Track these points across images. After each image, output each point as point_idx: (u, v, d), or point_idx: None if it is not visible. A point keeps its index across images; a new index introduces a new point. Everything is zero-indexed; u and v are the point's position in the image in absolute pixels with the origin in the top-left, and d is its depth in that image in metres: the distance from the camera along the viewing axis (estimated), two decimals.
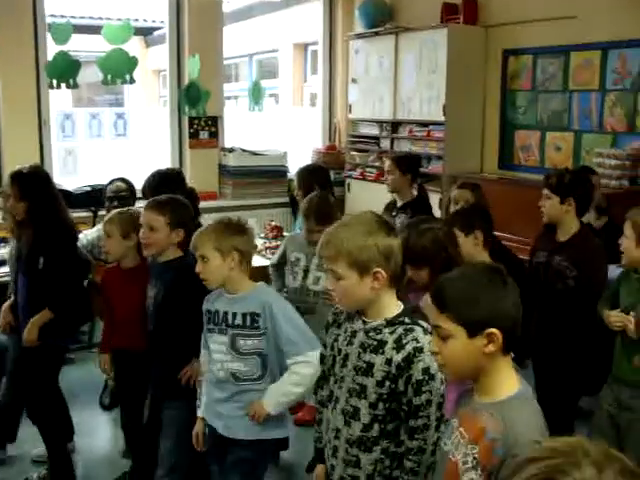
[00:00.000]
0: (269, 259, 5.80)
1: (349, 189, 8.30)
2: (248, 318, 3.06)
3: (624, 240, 3.36)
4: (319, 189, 4.93)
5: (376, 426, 2.36)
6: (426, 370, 2.27)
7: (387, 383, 2.32)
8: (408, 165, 5.51)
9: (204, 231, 3.15)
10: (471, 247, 3.69)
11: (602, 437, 3.45)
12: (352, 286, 2.36)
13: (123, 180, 5.52)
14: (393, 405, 2.33)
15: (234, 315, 3.09)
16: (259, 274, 4.71)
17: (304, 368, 3.00)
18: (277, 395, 3.07)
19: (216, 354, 3.14)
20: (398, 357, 2.30)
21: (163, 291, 3.53)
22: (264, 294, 3.13)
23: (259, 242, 6.71)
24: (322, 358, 2.63)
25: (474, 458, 1.90)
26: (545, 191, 4.09)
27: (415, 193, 5.48)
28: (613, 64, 6.18)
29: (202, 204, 5.54)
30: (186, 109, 6.85)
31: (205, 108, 6.87)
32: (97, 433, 4.89)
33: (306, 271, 4.44)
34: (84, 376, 5.41)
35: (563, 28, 6.46)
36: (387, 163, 5.54)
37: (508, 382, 1.96)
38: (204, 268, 3.08)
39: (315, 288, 4.40)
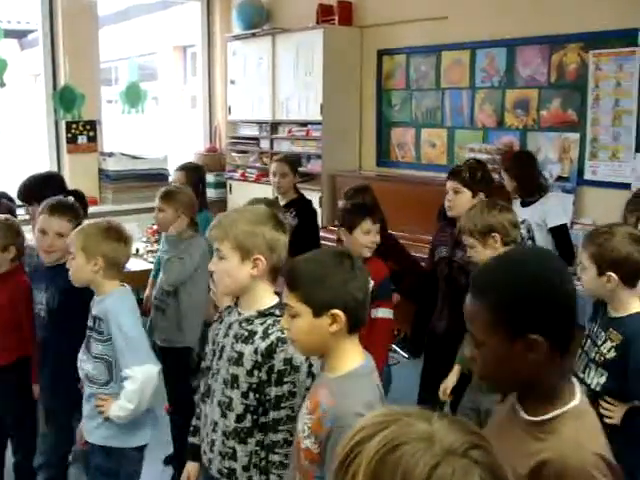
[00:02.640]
0: (151, 262, 5.76)
1: (230, 190, 8.30)
2: (96, 322, 3.07)
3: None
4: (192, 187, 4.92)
5: (249, 416, 2.38)
6: (288, 361, 2.31)
7: (256, 372, 2.35)
8: (297, 166, 5.58)
9: (79, 229, 3.16)
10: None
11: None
12: (232, 268, 2.43)
13: None
14: (262, 397, 2.36)
15: (91, 316, 3.11)
16: (140, 278, 4.70)
17: (128, 384, 2.98)
18: (117, 407, 3.02)
19: (80, 353, 3.14)
20: (262, 346, 2.35)
21: (58, 295, 3.48)
22: (109, 300, 3.09)
23: (141, 246, 6.66)
24: (206, 355, 2.65)
25: (308, 427, 2.04)
26: (454, 185, 4.07)
27: (295, 193, 5.52)
28: (482, 63, 6.40)
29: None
30: (61, 113, 6.71)
31: (81, 112, 6.75)
32: None
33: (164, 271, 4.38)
34: None
35: (434, 29, 6.64)
36: (278, 165, 5.45)
37: (351, 359, 2.06)
38: (70, 264, 3.09)
39: (169, 288, 4.31)
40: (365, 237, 3.82)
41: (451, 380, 3.74)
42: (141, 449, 3.19)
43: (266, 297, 2.48)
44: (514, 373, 1.68)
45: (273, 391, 2.32)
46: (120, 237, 3.12)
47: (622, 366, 2.86)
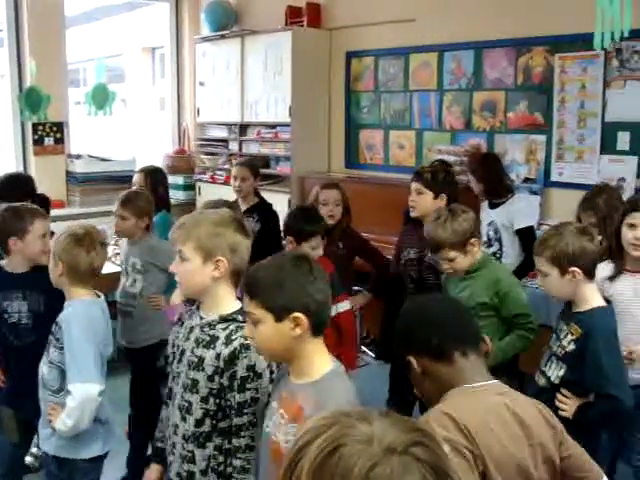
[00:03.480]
0: (119, 265, 5.72)
1: (199, 192, 8.27)
2: (55, 327, 3.05)
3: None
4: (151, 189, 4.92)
5: (208, 421, 2.39)
6: (251, 367, 2.31)
7: (217, 378, 2.35)
8: (258, 170, 5.60)
9: (58, 234, 3.16)
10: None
11: None
12: (194, 269, 2.43)
13: None
14: (223, 402, 2.36)
15: (55, 321, 3.09)
16: (109, 280, 4.67)
17: (69, 400, 2.94)
18: (60, 421, 2.98)
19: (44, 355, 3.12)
20: (225, 352, 2.35)
21: (45, 299, 3.46)
22: (69, 309, 3.07)
23: (109, 249, 6.62)
24: (167, 358, 2.64)
25: (294, 436, 1.97)
26: (417, 186, 4.08)
27: (256, 198, 5.55)
28: (449, 66, 6.43)
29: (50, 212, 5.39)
30: (27, 114, 6.65)
31: (47, 113, 6.69)
32: None
33: (127, 273, 4.38)
34: None
35: (403, 31, 6.67)
36: (239, 169, 5.49)
37: (320, 362, 2.08)
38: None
39: (132, 290, 4.32)
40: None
41: None
42: (94, 460, 3.14)
43: (228, 301, 2.48)
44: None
45: (236, 397, 2.32)
46: (89, 245, 3.08)
47: (580, 359, 2.91)
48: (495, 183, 5.28)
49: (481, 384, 2.02)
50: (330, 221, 4.38)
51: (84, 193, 7.77)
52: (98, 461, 3.18)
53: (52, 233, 3.63)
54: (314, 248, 3.79)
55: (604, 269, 3.50)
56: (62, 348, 2.99)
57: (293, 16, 7.37)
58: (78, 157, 7.86)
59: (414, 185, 4.11)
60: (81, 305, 3.07)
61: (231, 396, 2.33)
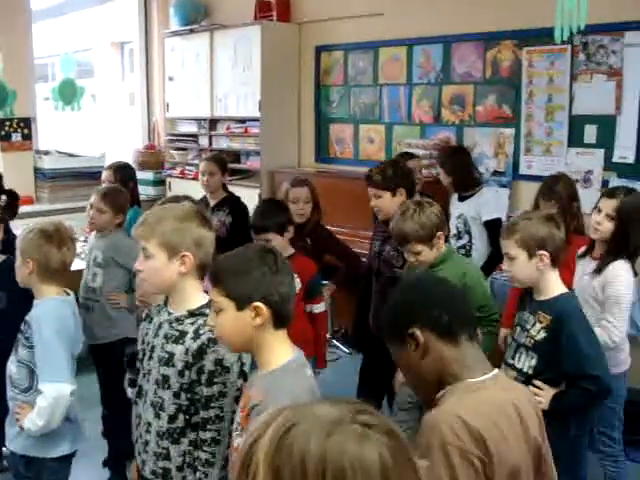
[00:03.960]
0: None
1: (170, 188, 8.22)
2: (25, 326, 3.02)
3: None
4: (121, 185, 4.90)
5: (181, 416, 2.38)
6: (219, 361, 2.31)
7: (187, 373, 2.35)
8: (225, 165, 5.59)
9: (24, 231, 3.12)
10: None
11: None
12: (160, 266, 2.41)
13: None
14: (193, 396, 2.36)
15: (24, 319, 3.06)
16: (78, 277, 4.63)
17: (40, 400, 2.92)
18: (29, 420, 2.95)
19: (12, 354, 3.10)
20: (194, 346, 2.34)
21: (5, 295, 3.46)
22: (39, 307, 3.05)
23: (78, 245, 6.57)
24: (137, 354, 2.62)
25: (238, 423, 2.07)
26: (372, 190, 4.04)
27: (224, 193, 5.55)
28: (418, 59, 6.45)
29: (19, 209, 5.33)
30: None
31: (13, 109, 6.62)
32: None
33: (88, 267, 4.33)
34: None
35: (372, 25, 6.68)
36: (206, 164, 5.49)
37: (280, 354, 2.08)
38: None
39: (92, 284, 4.26)
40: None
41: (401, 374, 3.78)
42: (62, 459, 3.13)
43: (196, 296, 2.47)
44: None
45: (204, 391, 2.32)
46: (59, 242, 3.06)
47: (552, 346, 2.94)
48: (464, 176, 5.31)
49: (483, 379, 1.92)
50: (300, 219, 4.37)
51: (53, 189, 7.70)
52: (66, 460, 3.16)
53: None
54: (267, 242, 3.73)
55: (589, 265, 3.65)
56: (32, 347, 2.96)
57: (262, 10, 7.35)
58: (46, 153, 7.79)
59: (370, 190, 4.07)
60: (52, 304, 3.05)
61: (199, 390, 2.33)
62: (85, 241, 6.57)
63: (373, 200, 4.06)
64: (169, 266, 2.41)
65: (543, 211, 3.20)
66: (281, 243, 3.78)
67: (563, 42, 4.45)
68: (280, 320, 2.08)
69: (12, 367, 3.05)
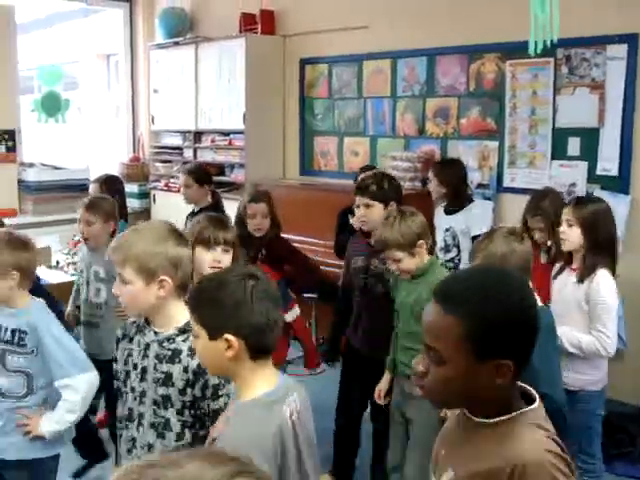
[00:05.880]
0: (73, 274, 5.65)
1: (154, 200, 8.20)
2: (17, 335, 2.97)
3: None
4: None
5: (187, 432, 2.34)
6: None
7: (189, 390, 2.31)
8: (202, 176, 5.62)
9: None
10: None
11: (398, 442, 3.60)
12: (138, 292, 2.34)
13: None
14: (198, 412, 2.32)
15: (5, 330, 2.99)
16: (62, 290, 4.60)
17: (71, 395, 2.93)
18: (52, 421, 2.96)
19: None
20: (193, 363, 2.30)
21: None
22: (33, 313, 3.01)
23: (62, 258, 6.54)
24: (115, 374, 2.55)
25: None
26: (365, 200, 3.95)
27: (210, 200, 5.58)
28: (402, 72, 6.46)
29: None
30: None
31: None
32: None
33: (88, 283, 4.29)
34: None
35: (356, 38, 6.68)
36: (181, 177, 5.61)
37: (255, 386, 1.98)
38: None
39: (96, 300, 4.24)
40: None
41: (384, 384, 3.75)
42: (57, 456, 3.14)
43: (181, 313, 2.38)
44: (471, 392, 1.62)
45: (210, 405, 2.28)
46: (26, 245, 3.01)
47: None
48: (459, 188, 5.32)
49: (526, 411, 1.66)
50: (258, 233, 4.37)
51: (37, 202, 7.66)
52: (58, 458, 3.16)
53: None
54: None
55: (568, 277, 3.68)
56: (29, 353, 2.95)
57: (247, 23, 7.36)
58: (31, 165, 7.75)
59: (361, 200, 3.98)
60: (39, 306, 3.06)
61: (205, 405, 2.29)
62: (68, 254, 6.57)
63: (362, 209, 3.97)
64: (147, 291, 2.34)
65: (505, 227, 3.15)
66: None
67: (545, 55, 4.47)
68: (257, 351, 1.97)
69: (0, 380, 3.00)
